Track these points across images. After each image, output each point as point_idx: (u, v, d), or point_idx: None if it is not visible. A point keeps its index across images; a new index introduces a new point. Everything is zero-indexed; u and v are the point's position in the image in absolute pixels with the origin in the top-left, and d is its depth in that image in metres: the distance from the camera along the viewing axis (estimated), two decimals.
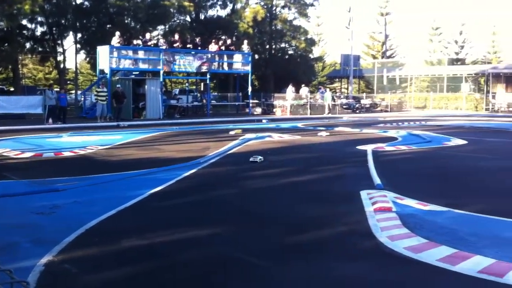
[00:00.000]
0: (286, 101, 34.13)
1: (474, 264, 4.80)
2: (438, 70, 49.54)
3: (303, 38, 46.03)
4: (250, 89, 32.61)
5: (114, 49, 26.59)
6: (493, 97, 43.06)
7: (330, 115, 33.27)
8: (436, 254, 5.12)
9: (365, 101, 40.60)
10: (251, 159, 11.58)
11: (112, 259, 5.10)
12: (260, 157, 11.78)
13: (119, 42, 26.91)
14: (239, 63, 32.12)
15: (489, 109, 41.19)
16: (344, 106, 38.41)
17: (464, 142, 16.10)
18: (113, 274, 4.69)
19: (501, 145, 16.13)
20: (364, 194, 8.01)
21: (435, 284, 4.49)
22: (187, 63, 29.14)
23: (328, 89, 39.79)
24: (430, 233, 5.89)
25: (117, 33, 27.34)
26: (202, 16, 42.17)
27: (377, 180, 9.13)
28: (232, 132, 18.64)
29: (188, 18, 41.09)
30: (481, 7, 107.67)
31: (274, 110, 34.51)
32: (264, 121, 26.08)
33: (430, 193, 8.27)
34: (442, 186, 9.18)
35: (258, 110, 33.85)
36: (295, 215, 6.92)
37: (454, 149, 14.57)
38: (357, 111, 37.77)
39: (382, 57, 60.30)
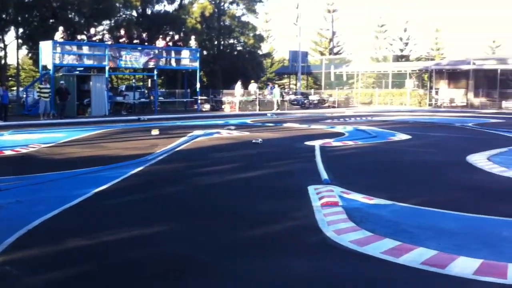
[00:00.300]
0: (235, 98, 34.12)
1: (417, 256, 4.92)
2: (383, 66, 50.64)
3: (251, 34, 46.11)
4: (198, 85, 32.42)
5: (58, 45, 25.80)
6: (436, 92, 44.42)
7: (278, 111, 33.48)
8: (380, 247, 5.22)
9: (313, 97, 41.10)
10: (253, 141, 14.45)
11: (55, 260, 4.94)
12: (260, 139, 14.76)
13: (62, 37, 26.14)
14: (187, 59, 31.82)
15: (432, 105, 42.48)
16: (292, 102, 38.76)
17: (409, 137, 16.52)
18: (56, 275, 4.54)
19: (444, 139, 16.64)
20: (311, 189, 8.08)
21: (379, 277, 4.57)
22: (134, 59, 28.64)
23: (276, 85, 39.98)
24: (375, 226, 6.00)
25: (61, 28, 26.55)
26: (149, 11, 41.51)
27: (324, 175, 9.24)
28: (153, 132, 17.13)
29: (134, 13, 40.37)
30: (425, 4, 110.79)
31: (223, 106, 34.45)
32: (268, 114, 26.11)
33: (375, 187, 8.44)
34: (387, 180, 9.39)
35: (207, 106, 33.68)
36: (244, 211, 6.91)
37: (398, 144, 14.92)
38: (306, 107, 38.17)
39: (330, 54, 61.13)
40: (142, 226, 6.11)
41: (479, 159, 11.42)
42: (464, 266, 4.65)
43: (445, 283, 4.36)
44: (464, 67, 42.66)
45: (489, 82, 41.39)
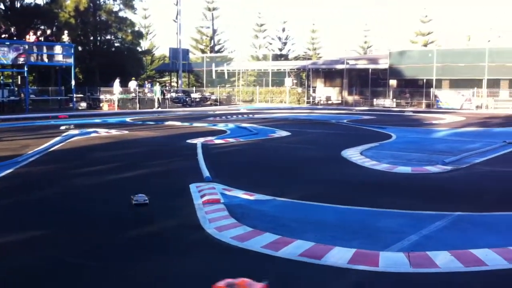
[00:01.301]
0: (113, 95, 33.08)
1: (295, 248, 5.03)
2: (263, 65, 51.78)
3: (129, 31, 44.93)
4: (73, 82, 31.01)
5: None
6: (314, 91, 46.27)
7: (160, 109, 32.98)
8: (261, 241, 5.28)
9: (195, 95, 41.00)
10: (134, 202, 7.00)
11: None
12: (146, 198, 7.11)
13: None
14: (60, 55, 30.33)
15: (310, 102, 44.15)
16: (174, 100, 38.37)
17: (288, 133, 16.99)
18: None
19: (321, 135, 17.32)
20: (193, 187, 8.01)
21: (258, 270, 4.61)
22: (2, 54, 26.71)
23: (157, 83, 39.36)
24: (255, 222, 6.06)
25: None
26: (18, 4, 38.89)
27: (206, 173, 9.21)
28: (62, 127, 17.50)
29: (2, 6, 37.65)
30: (301, 4, 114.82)
31: (101, 104, 33.25)
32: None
33: (256, 183, 8.55)
34: (268, 176, 9.55)
35: (83, 105, 32.32)
36: (125, 212, 6.67)
37: (279, 141, 15.29)
38: (187, 105, 37.98)
39: (211, 52, 61.34)
40: (12, 231, 5.67)
41: (353, 154, 12.00)
42: (339, 256, 4.82)
43: (321, 273, 4.49)
44: (339, 66, 44.85)
45: (361, 80, 43.89)
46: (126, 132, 17.22)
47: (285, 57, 65.87)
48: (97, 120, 22.73)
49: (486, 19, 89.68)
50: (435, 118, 25.86)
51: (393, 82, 41.85)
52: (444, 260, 4.69)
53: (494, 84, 37.04)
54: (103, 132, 16.91)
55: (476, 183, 8.93)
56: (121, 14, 44.74)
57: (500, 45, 40.80)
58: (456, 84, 38.35)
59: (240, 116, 26.81)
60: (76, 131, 16.36)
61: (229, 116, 26.19)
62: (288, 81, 44.27)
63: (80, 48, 40.42)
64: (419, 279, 4.38)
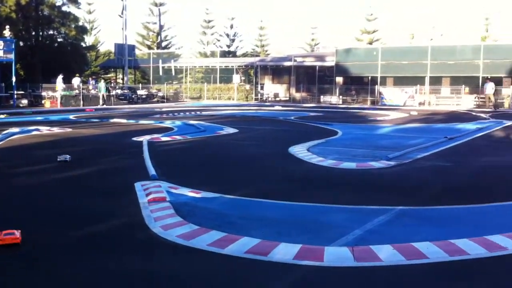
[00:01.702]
0: (56, 92, 32.19)
1: (241, 246, 5.01)
2: (211, 61, 51.61)
3: (73, 26, 43.72)
4: (14, 79, 30.00)
5: None
6: (262, 87, 46.49)
7: (104, 106, 32.33)
8: (207, 239, 5.23)
9: (142, 92, 40.45)
10: (58, 159, 9.97)
11: None
12: (68, 156, 10.11)
13: None
14: (0, 50, 29.30)
15: (258, 99, 44.32)
16: (120, 97, 37.72)
17: (236, 130, 16.97)
18: None
19: (268, 132, 17.40)
20: (138, 185, 7.86)
21: (203, 268, 4.57)
22: None
23: (102, 80, 38.56)
24: (202, 220, 6.00)
25: None
26: None
27: (152, 171, 9.06)
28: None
29: None
30: (249, 1, 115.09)
31: (43, 101, 32.31)
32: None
33: (203, 181, 8.49)
34: (215, 174, 9.50)
35: (24, 102, 31.31)
36: (67, 212, 6.46)
37: (226, 138, 15.25)
38: (134, 102, 37.40)
39: (158, 48, 60.61)
40: None
41: (300, 150, 12.10)
42: (285, 252, 4.84)
43: (268, 269, 4.49)
44: (286, 63, 45.22)
45: (309, 78, 44.41)
46: (69, 130, 16.77)
47: (233, 54, 65.87)
48: (39, 118, 22.04)
49: (429, 18, 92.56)
50: (380, 115, 26.47)
51: (339, 79, 42.57)
52: (387, 254, 4.78)
53: (436, 81, 38.26)
54: (45, 130, 16.39)
55: (419, 177, 9.17)
56: (64, 8, 43.58)
57: (442, 43, 42.20)
58: (400, 81, 39.41)
59: (187, 113, 26.59)
60: (16, 129, 15.79)
61: (176, 113, 25.94)
62: (236, 78, 44.30)
63: (21, 44, 39.10)
64: (363, 272, 4.45)
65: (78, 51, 44.71)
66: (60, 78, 32.56)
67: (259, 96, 44.83)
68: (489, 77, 33.69)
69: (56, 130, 16.50)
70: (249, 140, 14.66)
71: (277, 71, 47.51)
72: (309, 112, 28.55)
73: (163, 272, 4.51)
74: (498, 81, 35.08)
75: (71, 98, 32.86)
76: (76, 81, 34.33)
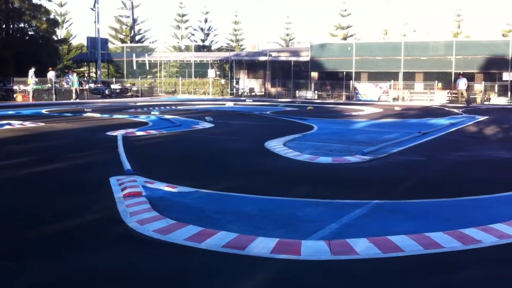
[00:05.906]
0: (27, 86, 31.63)
1: (218, 240, 5.00)
2: (186, 56, 51.28)
3: (44, 18, 42.92)
4: None
5: None
6: (237, 82, 46.41)
7: (77, 100, 31.90)
8: (184, 234, 5.19)
9: (115, 86, 40.00)
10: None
11: None
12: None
13: None
14: None
15: (233, 94, 44.23)
16: (93, 91, 37.25)
17: (211, 125, 16.91)
18: None
19: (244, 127, 17.37)
20: (113, 180, 7.77)
21: (181, 262, 4.55)
22: None
23: (75, 73, 37.98)
24: (178, 214, 5.97)
25: None
26: None
27: (127, 165, 8.97)
28: None
29: None
30: None
31: (15, 95, 31.73)
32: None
33: (179, 175, 8.44)
34: (191, 168, 9.45)
35: None
36: (40, 208, 6.35)
37: (202, 132, 15.18)
38: (107, 96, 36.99)
39: (131, 42, 59.96)
40: None
41: (276, 145, 12.11)
42: (262, 246, 4.84)
43: (245, 263, 4.48)
44: (262, 58, 45.21)
45: (284, 72, 44.47)
46: (42, 124, 16.50)
47: (208, 49, 65.62)
48: (11, 112, 21.66)
49: (402, 14, 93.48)
50: (355, 110, 26.67)
51: (314, 75, 42.74)
52: (363, 247, 4.82)
53: (409, 77, 38.71)
54: (17, 124, 16.11)
55: (393, 172, 9.26)
56: (35, 1, 42.72)
57: (415, 39, 42.67)
58: (374, 76, 39.78)
59: (162, 107, 26.39)
60: None
61: (151, 108, 25.72)
62: (211, 73, 44.13)
63: None
64: (340, 266, 4.47)
65: (50, 44, 43.95)
66: (31, 71, 32.00)
67: (234, 91, 44.75)
68: (461, 72, 34.20)
69: (28, 124, 16.22)
70: (225, 135, 14.62)
71: (252, 66, 47.48)
72: (284, 107, 28.60)
73: (139, 267, 4.46)
74: (470, 77, 35.67)
75: (44, 92, 32.32)
76: (51, 74, 33.76)
